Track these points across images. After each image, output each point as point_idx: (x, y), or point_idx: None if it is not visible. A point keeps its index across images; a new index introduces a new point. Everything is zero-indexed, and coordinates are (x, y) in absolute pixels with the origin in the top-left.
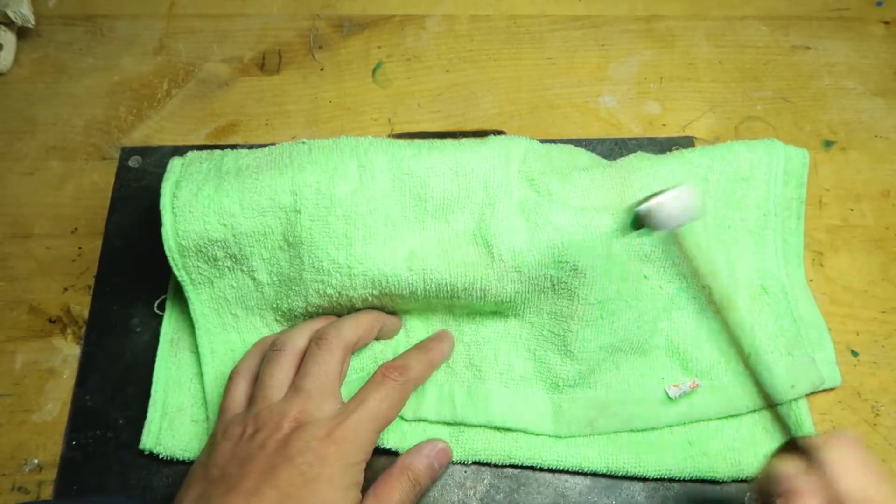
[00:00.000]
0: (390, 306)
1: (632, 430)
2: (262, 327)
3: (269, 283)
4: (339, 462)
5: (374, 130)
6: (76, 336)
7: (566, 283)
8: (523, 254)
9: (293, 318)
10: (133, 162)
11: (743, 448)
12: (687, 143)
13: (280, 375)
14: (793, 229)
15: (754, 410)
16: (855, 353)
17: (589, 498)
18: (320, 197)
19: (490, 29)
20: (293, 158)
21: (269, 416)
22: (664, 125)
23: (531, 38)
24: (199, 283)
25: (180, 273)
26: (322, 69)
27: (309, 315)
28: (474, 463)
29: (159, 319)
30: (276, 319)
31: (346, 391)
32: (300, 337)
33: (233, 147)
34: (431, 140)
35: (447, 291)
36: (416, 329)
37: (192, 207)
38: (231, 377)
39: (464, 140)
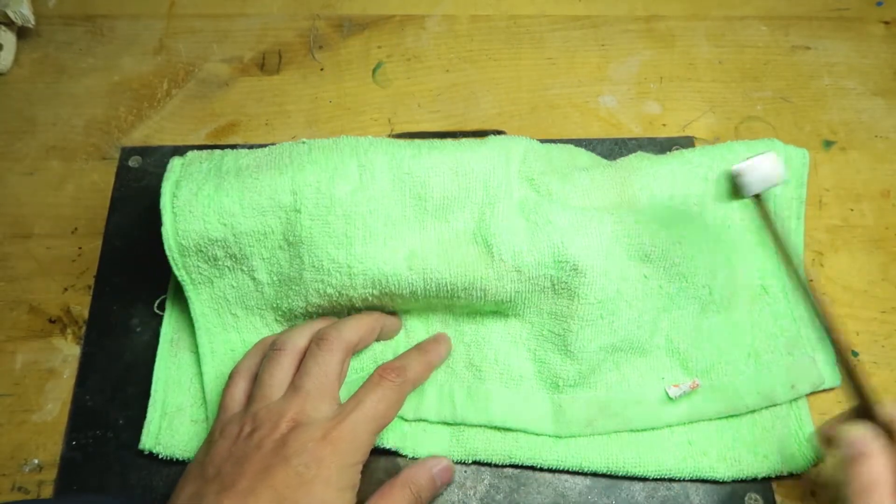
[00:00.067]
0: (390, 306)
1: (632, 430)
2: (261, 327)
3: (269, 283)
4: (335, 463)
5: (374, 130)
6: (76, 336)
7: (566, 283)
8: (523, 254)
9: (293, 319)
10: (133, 162)
11: (743, 448)
12: (687, 143)
13: (279, 375)
14: (793, 229)
15: (754, 410)
16: (855, 353)
17: (589, 498)
18: (320, 196)
19: (490, 29)
20: (293, 158)
21: (266, 415)
22: (664, 125)
23: (531, 38)
24: (199, 282)
25: (180, 273)
26: (322, 69)
27: (309, 315)
28: (474, 463)
29: (159, 319)
30: (276, 319)
31: (346, 391)
32: (301, 337)
33: (233, 147)
34: (431, 140)
35: (447, 291)
36: (415, 329)
37: (192, 207)
38: (231, 376)
39: (464, 140)
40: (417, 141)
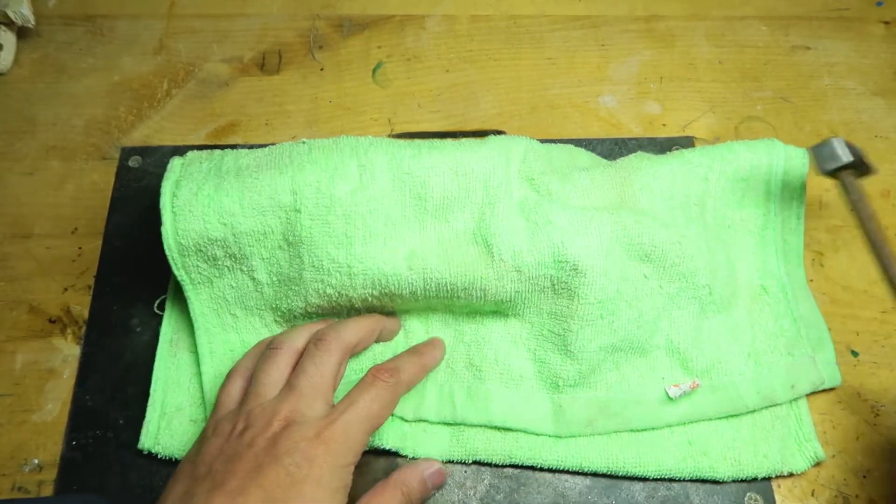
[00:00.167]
0: (390, 306)
1: (632, 430)
2: (261, 328)
3: (269, 283)
4: (327, 463)
5: (374, 130)
6: (76, 336)
7: (566, 282)
8: (523, 254)
9: (292, 319)
10: (133, 162)
11: (743, 448)
12: (687, 143)
13: (275, 373)
14: (793, 229)
15: (754, 410)
16: (855, 353)
17: (589, 498)
18: (320, 196)
19: (490, 29)
20: (293, 158)
21: (260, 413)
22: (664, 125)
23: (531, 38)
24: (199, 282)
25: (180, 273)
26: (322, 69)
27: (308, 316)
28: (474, 463)
29: (159, 319)
30: (276, 320)
31: (344, 393)
32: (299, 337)
33: (233, 147)
34: (431, 140)
35: (447, 291)
36: (415, 330)
37: (192, 207)
38: (228, 375)
39: (464, 140)
40: (417, 141)
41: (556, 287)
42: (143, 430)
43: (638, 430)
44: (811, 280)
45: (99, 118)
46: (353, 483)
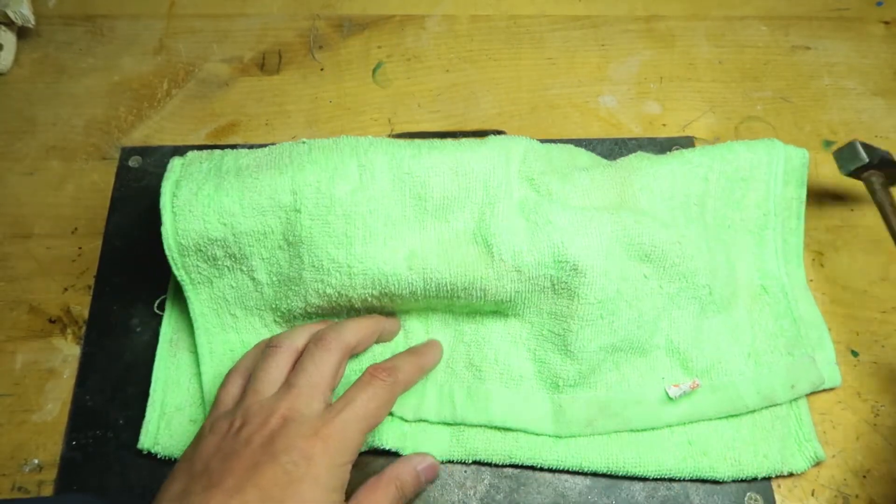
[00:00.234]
0: (390, 307)
1: (632, 430)
2: (260, 328)
3: (269, 283)
4: (324, 462)
5: (374, 130)
6: (76, 336)
7: (566, 282)
8: (523, 254)
9: (292, 320)
10: (133, 162)
11: (743, 448)
12: (687, 143)
13: (273, 371)
14: (793, 229)
15: (754, 410)
16: (855, 353)
17: (589, 498)
18: (320, 196)
19: (490, 29)
20: (293, 158)
21: (258, 410)
22: (664, 125)
23: (531, 38)
24: (199, 282)
25: (180, 273)
26: (322, 69)
27: (308, 316)
28: (474, 463)
29: (159, 319)
30: (276, 321)
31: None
32: (299, 337)
33: (233, 147)
34: (431, 140)
35: (447, 291)
36: (415, 330)
37: (192, 206)
38: (228, 374)
39: (464, 140)
40: (417, 141)
41: (556, 287)
42: (143, 430)
43: (638, 430)
44: (811, 280)
45: (99, 118)
46: (351, 482)
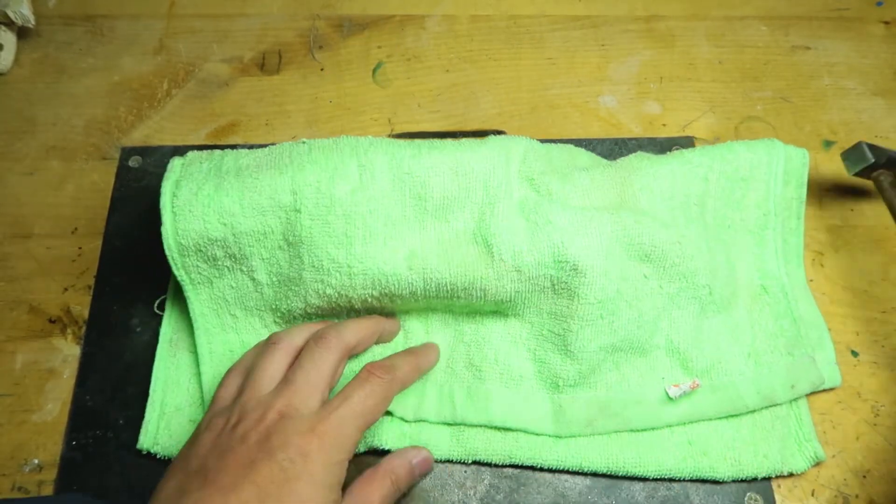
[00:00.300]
0: (390, 307)
1: (632, 430)
2: (260, 328)
3: (269, 284)
4: (321, 459)
5: (374, 130)
6: (76, 336)
7: (566, 282)
8: (523, 254)
9: (292, 320)
10: (133, 162)
11: (743, 448)
12: (687, 143)
13: (271, 368)
14: (793, 229)
15: (754, 410)
16: (855, 353)
17: (589, 498)
18: (320, 196)
19: (490, 29)
20: (293, 158)
21: (254, 406)
22: (664, 125)
23: (531, 38)
24: (199, 282)
25: (179, 273)
26: (322, 69)
27: (308, 317)
28: (474, 463)
29: (159, 319)
30: (275, 321)
31: None
32: (298, 335)
33: (233, 147)
34: (431, 140)
35: (447, 291)
36: (415, 330)
37: (192, 206)
38: (227, 373)
39: (464, 140)
40: (417, 141)
41: (556, 287)
42: (143, 430)
43: (638, 430)
44: (811, 280)
45: (99, 118)
46: (348, 479)
